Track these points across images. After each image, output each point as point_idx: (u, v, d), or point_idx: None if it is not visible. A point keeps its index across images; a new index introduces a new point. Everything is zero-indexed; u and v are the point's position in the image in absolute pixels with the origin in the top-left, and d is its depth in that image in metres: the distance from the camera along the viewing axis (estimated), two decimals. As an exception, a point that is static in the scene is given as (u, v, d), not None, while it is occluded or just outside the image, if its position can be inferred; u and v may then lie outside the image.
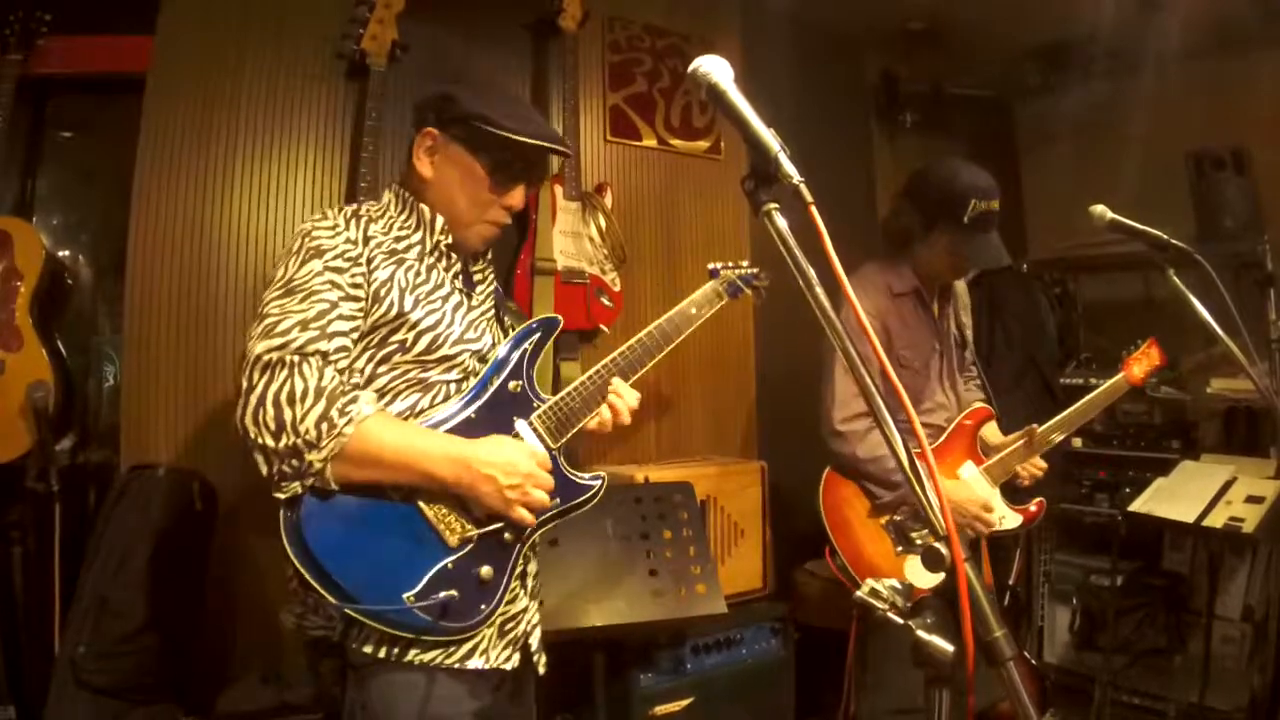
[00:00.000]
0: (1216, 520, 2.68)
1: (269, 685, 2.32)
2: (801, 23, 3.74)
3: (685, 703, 2.57)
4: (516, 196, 1.64)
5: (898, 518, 2.31)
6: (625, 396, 1.70)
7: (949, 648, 0.96)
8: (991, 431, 2.52)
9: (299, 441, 1.33)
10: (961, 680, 0.93)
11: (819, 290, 1.04)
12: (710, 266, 1.99)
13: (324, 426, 1.34)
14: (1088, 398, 2.45)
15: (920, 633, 0.97)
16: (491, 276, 1.77)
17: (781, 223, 1.06)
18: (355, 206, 1.59)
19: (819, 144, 3.31)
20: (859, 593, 1.02)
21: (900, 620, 0.99)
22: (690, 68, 1.12)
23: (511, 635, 1.59)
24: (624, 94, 3.33)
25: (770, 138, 1.06)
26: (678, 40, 3.47)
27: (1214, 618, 3.19)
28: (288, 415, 1.33)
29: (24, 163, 2.51)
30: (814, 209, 1.01)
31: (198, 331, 2.48)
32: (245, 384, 1.36)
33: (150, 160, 2.46)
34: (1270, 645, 3.10)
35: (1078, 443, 3.74)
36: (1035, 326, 3.97)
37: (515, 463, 1.47)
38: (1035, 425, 2.40)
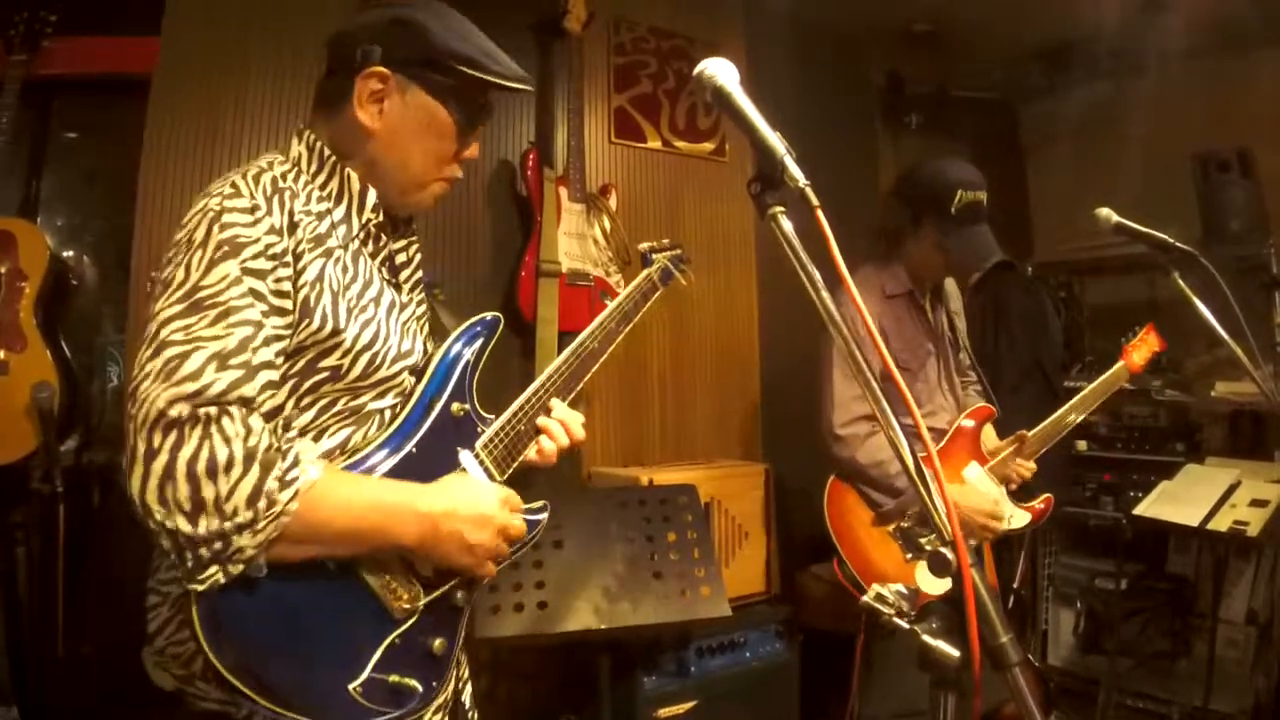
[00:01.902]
0: (1221, 524, 2.67)
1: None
2: (806, 25, 3.74)
3: (689, 705, 2.57)
4: (475, 147, 1.36)
5: (905, 524, 2.29)
6: (568, 421, 1.46)
7: (955, 652, 0.95)
8: (989, 434, 2.51)
9: (225, 525, 1.01)
10: (968, 684, 0.93)
11: (825, 294, 1.04)
12: (642, 249, 1.80)
13: (260, 505, 1.03)
14: (1084, 391, 2.45)
15: (926, 637, 0.97)
16: (417, 256, 1.43)
17: (787, 226, 1.05)
18: (271, 173, 1.21)
19: (823, 146, 3.31)
20: (865, 597, 1.02)
21: (906, 625, 0.99)
22: (696, 70, 1.12)
23: (440, 700, 1.31)
24: (629, 95, 3.33)
25: (776, 140, 1.05)
26: (682, 42, 3.47)
27: (1218, 621, 3.18)
28: (209, 492, 1.01)
29: (29, 164, 2.51)
30: (820, 213, 1.00)
31: (202, 333, 2.47)
32: (142, 446, 1.01)
33: (155, 161, 2.46)
34: (1274, 648, 3.10)
35: (1082, 446, 3.73)
36: (1040, 329, 3.97)
37: (489, 515, 1.24)
38: (1025, 432, 2.39)
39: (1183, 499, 2.85)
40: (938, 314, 2.52)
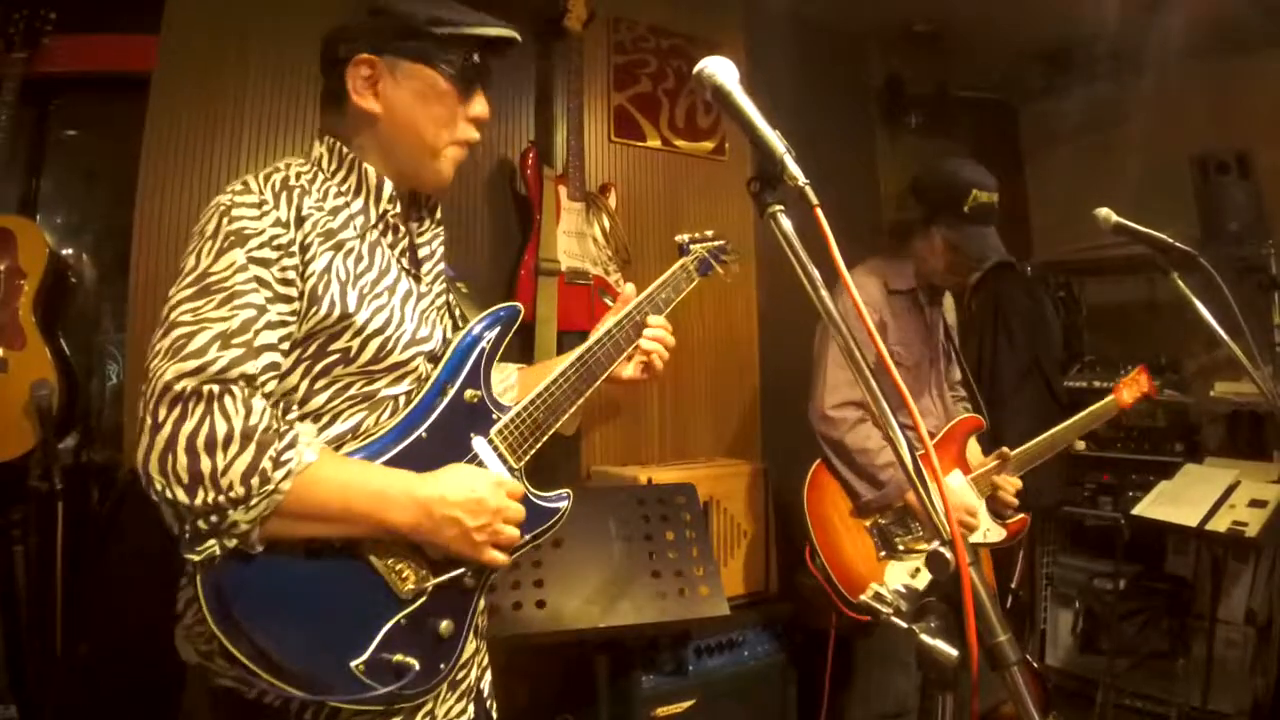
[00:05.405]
0: (1220, 524, 2.67)
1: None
2: (806, 24, 3.74)
3: (688, 704, 2.57)
4: (482, 104, 1.37)
5: (883, 521, 2.30)
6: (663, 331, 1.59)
7: (953, 651, 0.95)
8: (973, 447, 2.52)
9: (220, 499, 1.05)
10: (965, 684, 0.93)
11: (824, 292, 1.04)
12: (678, 240, 1.80)
13: (254, 481, 1.07)
14: (1071, 420, 2.48)
15: (924, 636, 0.97)
16: (440, 248, 1.47)
17: (786, 224, 1.05)
18: (284, 173, 1.27)
19: (823, 146, 3.30)
20: (863, 596, 1.02)
21: (904, 625, 0.99)
22: (695, 69, 1.12)
23: (464, 685, 1.37)
24: (628, 94, 3.33)
25: (776, 139, 1.05)
26: (682, 41, 3.47)
27: (1217, 621, 3.18)
28: (205, 465, 1.05)
29: (28, 161, 2.51)
30: (819, 211, 1.00)
31: (201, 331, 2.47)
32: (149, 419, 1.06)
33: (154, 159, 2.46)
34: (1273, 649, 3.10)
35: (1081, 446, 3.72)
36: (1039, 329, 3.96)
37: (482, 499, 1.23)
38: (1007, 450, 2.40)
39: (1181, 499, 2.85)
40: (935, 320, 2.52)
